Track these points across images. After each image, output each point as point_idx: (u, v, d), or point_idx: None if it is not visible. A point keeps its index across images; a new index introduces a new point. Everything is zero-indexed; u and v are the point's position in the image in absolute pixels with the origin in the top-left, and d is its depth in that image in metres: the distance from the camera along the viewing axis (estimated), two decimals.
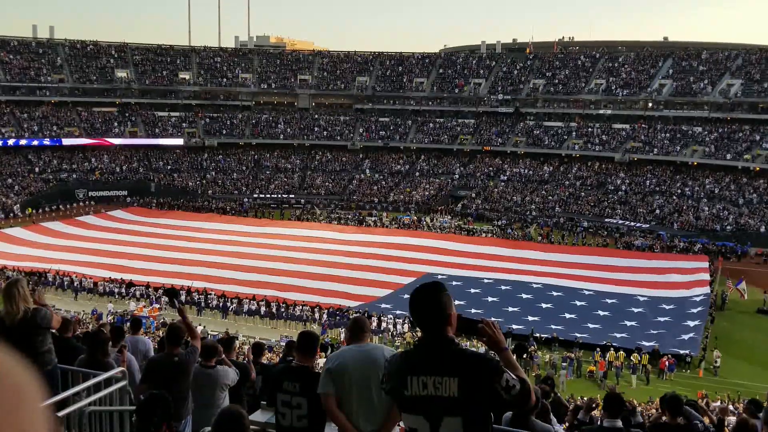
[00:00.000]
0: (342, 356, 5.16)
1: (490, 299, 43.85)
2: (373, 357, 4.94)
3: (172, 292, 9.91)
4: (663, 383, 32.88)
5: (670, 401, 7.70)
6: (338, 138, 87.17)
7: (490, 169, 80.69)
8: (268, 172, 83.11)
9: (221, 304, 42.43)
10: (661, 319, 40.65)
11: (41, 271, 46.74)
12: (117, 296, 44.10)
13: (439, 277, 46.38)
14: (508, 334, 36.11)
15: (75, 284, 44.96)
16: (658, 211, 66.61)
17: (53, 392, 5.95)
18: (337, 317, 39.99)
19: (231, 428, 4.21)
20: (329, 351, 34.30)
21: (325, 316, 40.26)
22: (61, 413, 5.58)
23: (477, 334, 3.37)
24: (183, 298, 42.99)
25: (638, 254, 55.29)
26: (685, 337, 37.28)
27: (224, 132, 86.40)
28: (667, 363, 33.97)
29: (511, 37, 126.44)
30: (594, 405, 11.13)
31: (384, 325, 38.39)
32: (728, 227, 61.15)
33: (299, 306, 41.43)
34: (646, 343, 36.03)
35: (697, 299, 43.50)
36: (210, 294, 43.24)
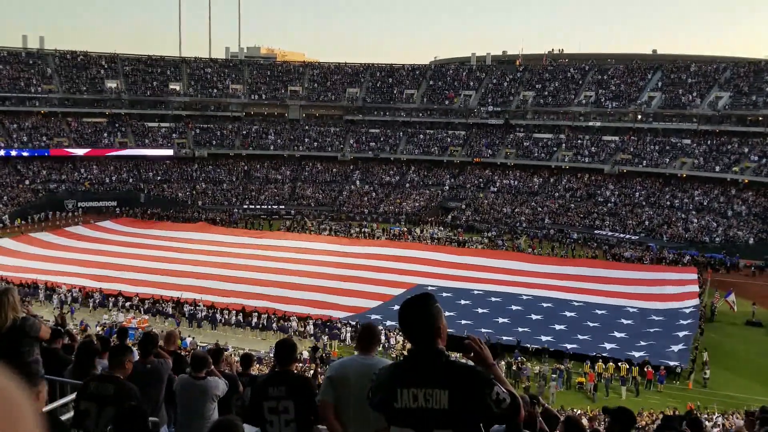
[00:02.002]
0: (344, 366, 5.14)
1: (480, 311, 43.82)
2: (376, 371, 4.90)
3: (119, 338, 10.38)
4: (652, 395, 32.95)
5: (691, 424, 7.70)
6: (328, 149, 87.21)
7: (480, 180, 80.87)
8: (258, 183, 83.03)
9: (210, 315, 42.25)
10: (651, 330, 40.70)
11: (30, 282, 46.49)
12: (101, 307, 43.88)
13: (429, 288, 46.34)
14: (497, 345, 36.14)
15: (63, 295, 44.64)
16: (647, 223, 66.86)
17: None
18: (327, 328, 39.95)
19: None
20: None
21: (311, 327, 40.18)
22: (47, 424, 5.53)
23: (463, 350, 3.36)
24: (170, 310, 42.91)
25: (628, 266, 55.40)
26: (675, 348, 37.31)
27: (214, 143, 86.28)
28: (654, 372, 34.02)
29: (501, 49, 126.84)
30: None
31: None
32: (717, 239, 61.43)
33: (288, 317, 41.37)
34: (636, 354, 36.08)
35: (687, 311, 43.60)
36: (199, 305, 43.08)
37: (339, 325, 40.33)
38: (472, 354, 3.34)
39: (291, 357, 5.85)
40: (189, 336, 36.96)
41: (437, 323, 3.23)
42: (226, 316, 41.92)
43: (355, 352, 5.44)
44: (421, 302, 3.28)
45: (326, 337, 39.07)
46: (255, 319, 41.19)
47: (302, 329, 40.05)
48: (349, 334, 38.99)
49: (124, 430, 5.10)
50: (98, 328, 36.98)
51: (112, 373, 6.18)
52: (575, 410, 27.14)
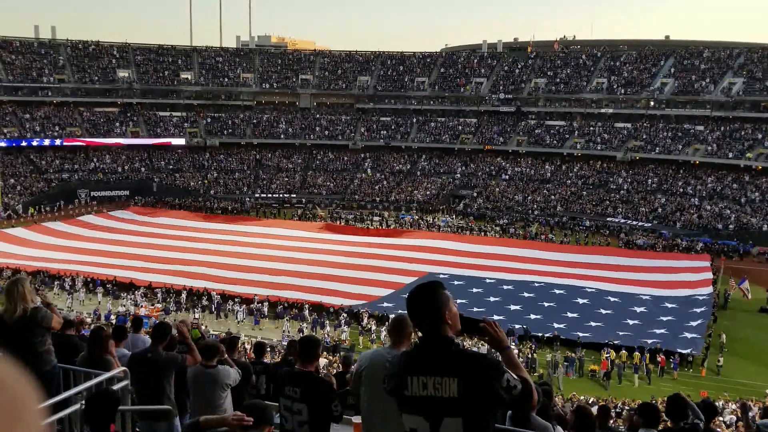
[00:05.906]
0: (372, 360, 5.02)
1: (492, 299, 43.76)
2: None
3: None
4: (665, 382, 32.86)
5: (670, 406, 7.53)
6: (339, 137, 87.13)
7: (492, 168, 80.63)
8: (269, 172, 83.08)
9: (222, 304, 42.36)
10: (664, 318, 40.55)
11: (42, 271, 46.79)
12: (111, 296, 44.11)
13: (441, 276, 46.31)
14: (509, 333, 36.17)
15: (76, 284, 44.89)
16: (660, 210, 66.54)
17: (53, 393, 5.91)
18: (341, 317, 40.03)
19: (261, 412, 4.39)
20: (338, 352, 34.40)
21: (307, 312, 40.57)
22: (61, 414, 5.56)
23: (479, 333, 3.34)
24: (183, 297, 43.06)
25: (640, 253, 55.12)
26: (688, 336, 37.19)
27: (226, 132, 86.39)
28: (667, 360, 33.95)
29: (512, 36, 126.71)
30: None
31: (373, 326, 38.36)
32: (730, 226, 61.05)
33: (301, 305, 41.55)
34: (649, 341, 35.97)
35: (700, 298, 43.41)
36: (211, 294, 43.23)
37: (362, 313, 40.48)
38: (488, 337, 3.33)
39: (314, 355, 5.82)
40: (202, 325, 37.08)
41: (443, 310, 3.20)
42: (238, 306, 42.01)
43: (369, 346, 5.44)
44: (428, 289, 3.26)
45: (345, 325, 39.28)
46: (267, 308, 41.34)
47: (316, 317, 40.16)
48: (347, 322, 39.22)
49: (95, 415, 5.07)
50: (112, 317, 37.21)
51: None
52: (589, 398, 27.11)
